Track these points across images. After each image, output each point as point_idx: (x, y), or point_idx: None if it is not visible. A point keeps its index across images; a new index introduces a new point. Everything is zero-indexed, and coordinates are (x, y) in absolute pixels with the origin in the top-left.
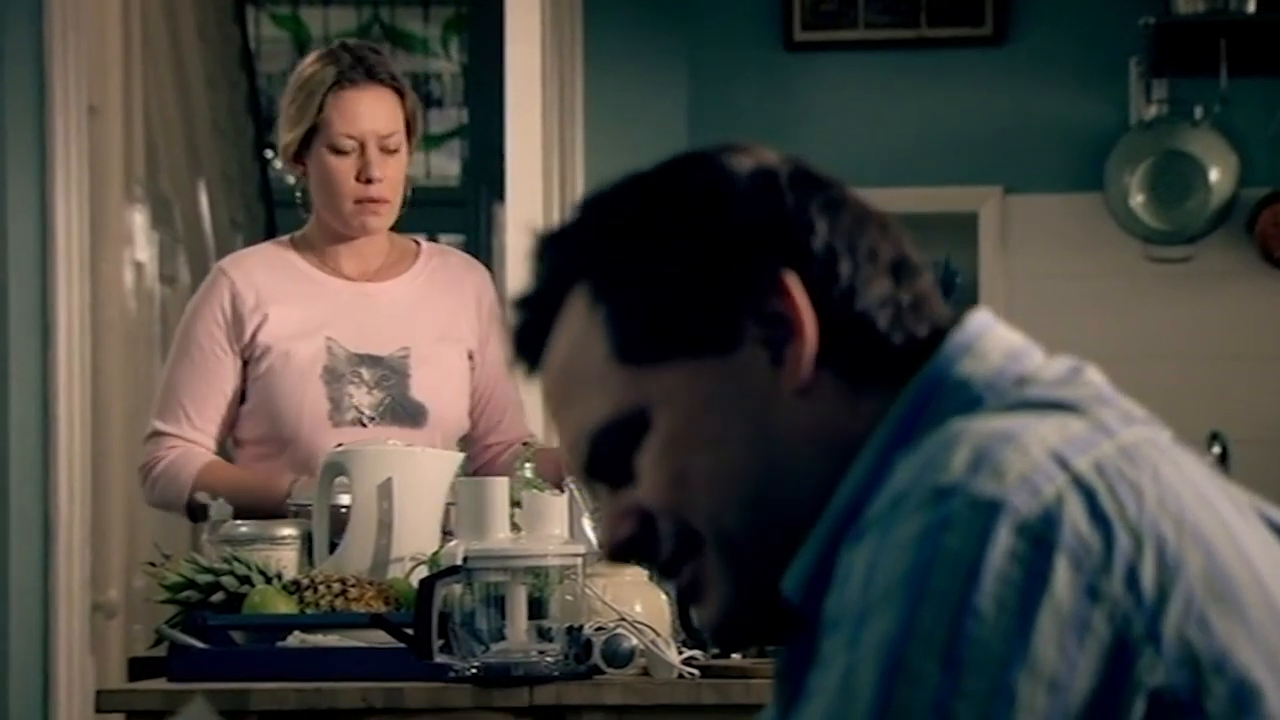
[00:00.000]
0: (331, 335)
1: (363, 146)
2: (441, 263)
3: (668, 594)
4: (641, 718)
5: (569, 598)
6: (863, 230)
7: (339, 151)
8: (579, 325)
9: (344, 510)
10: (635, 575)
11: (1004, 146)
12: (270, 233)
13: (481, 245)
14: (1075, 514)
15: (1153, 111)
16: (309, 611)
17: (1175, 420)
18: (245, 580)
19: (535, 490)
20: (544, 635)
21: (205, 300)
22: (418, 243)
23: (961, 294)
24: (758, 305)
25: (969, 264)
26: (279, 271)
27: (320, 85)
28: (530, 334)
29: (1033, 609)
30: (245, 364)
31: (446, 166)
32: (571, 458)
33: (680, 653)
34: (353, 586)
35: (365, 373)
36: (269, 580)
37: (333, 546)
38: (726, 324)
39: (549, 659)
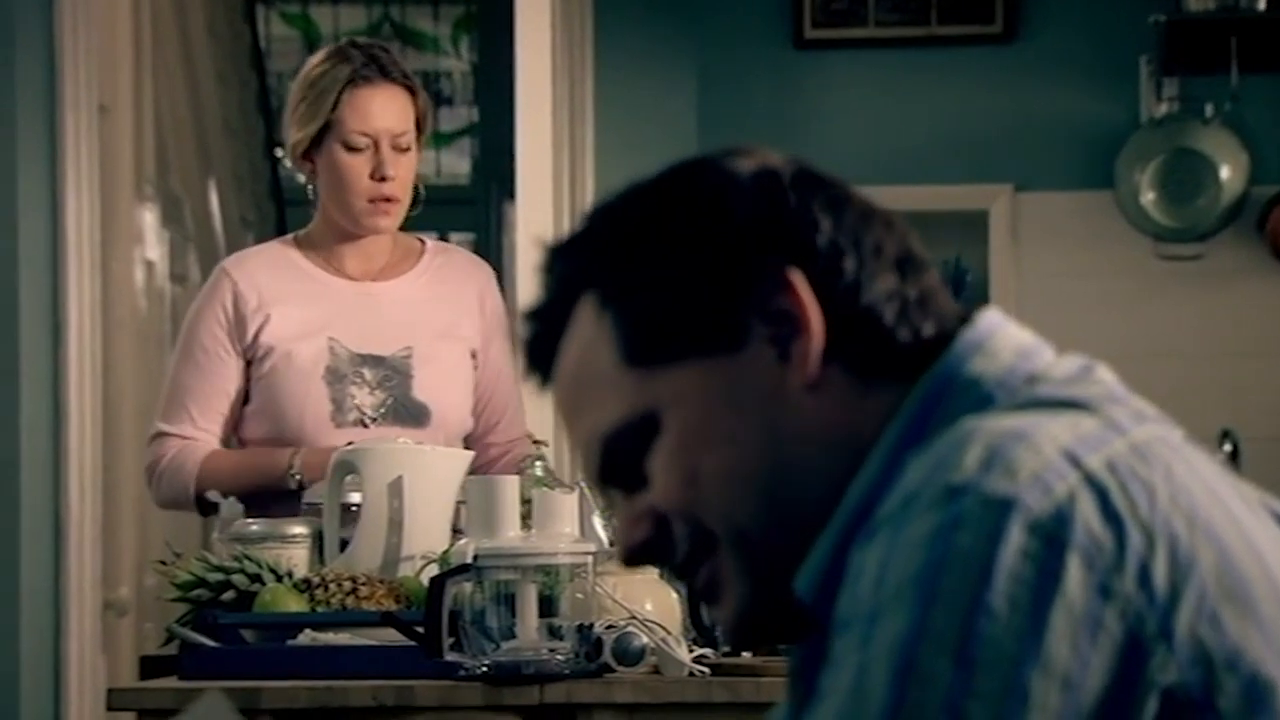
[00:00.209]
0: (334, 336)
1: (376, 145)
2: (445, 261)
3: (678, 592)
4: (652, 716)
5: (579, 596)
6: (867, 227)
7: (352, 149)
8: (587, 332)
9: (354, 508)
10: (646, 573)
11: (1014, 144)
12: (281, 231)
13: (492, 243)
14: (1087, 512)
15: (1163, 109)
16: (320, 610)
17: (1186, 418)
18: (256, 578)
19: (546, 488)
20: (554, 633)
21: (208, 301)
22: (422, 241)
23: (972, 292)
24: (763, 303)
25: (980, 262)
26: (282, 271)
27: (334, 83)
28: (541, 345)
29: (1045, 607)
30: (248, 364)
31: (457, 165)
32: (585, 464)
33: (691, 651)
34: (363, 585)
35: (367, 373)
36: (280, 578)
37: (343, 545)
38: (732, 323)
39: (559, 657)
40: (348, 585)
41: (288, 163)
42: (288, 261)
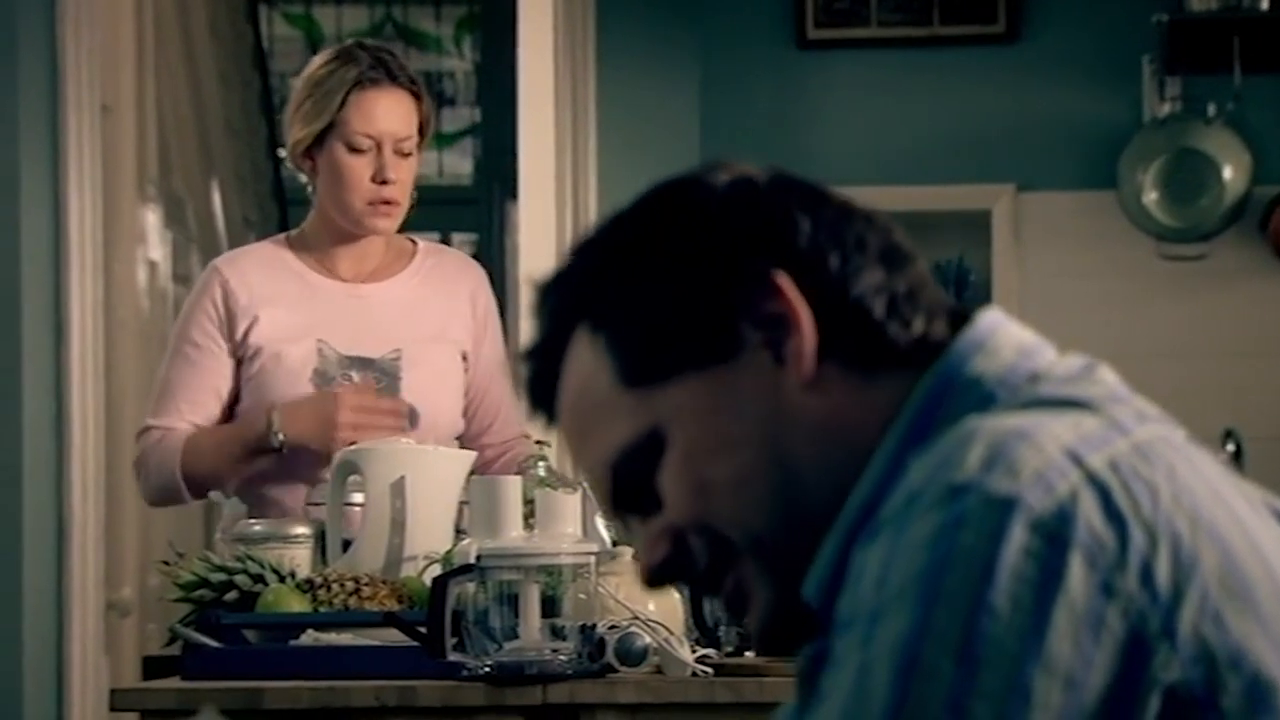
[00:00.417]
0: (323, 338)
1: (379, 147)
2: (437, 262)
3: (680, 593)
4: (655, 716)
5: (582, 596)
6: (848, 223)
7: (355, 150)
8: (584, 362)
9: (357, 509)
10: None
11: (1017, 144)
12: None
13: (494, 244)
14: (1089, 511)
15: (1166, 109)
16: (322, 610)
17: (1189, 418)
18: (259, 579)
19: (548, 489)
20: (557, 633)
21: (199, 298)
22: (414, 241)
23: (975, 292)
24: (752, 309)
25: (982, 262)
26: (273, 272)
27: (340, 84)
28: (541, 383)
29: (1047, 606)
30: (239, 364)
31: (459, 165)
32: (597, 493)
33: (694, 651)
34: (366, 585)
35: (356, 375)
36: (282, 579)
37: (346, 545)
38: (724, 332)
39: (562, 657)
40: (350, 585)
41: (288, 160)
42: (279, 262)
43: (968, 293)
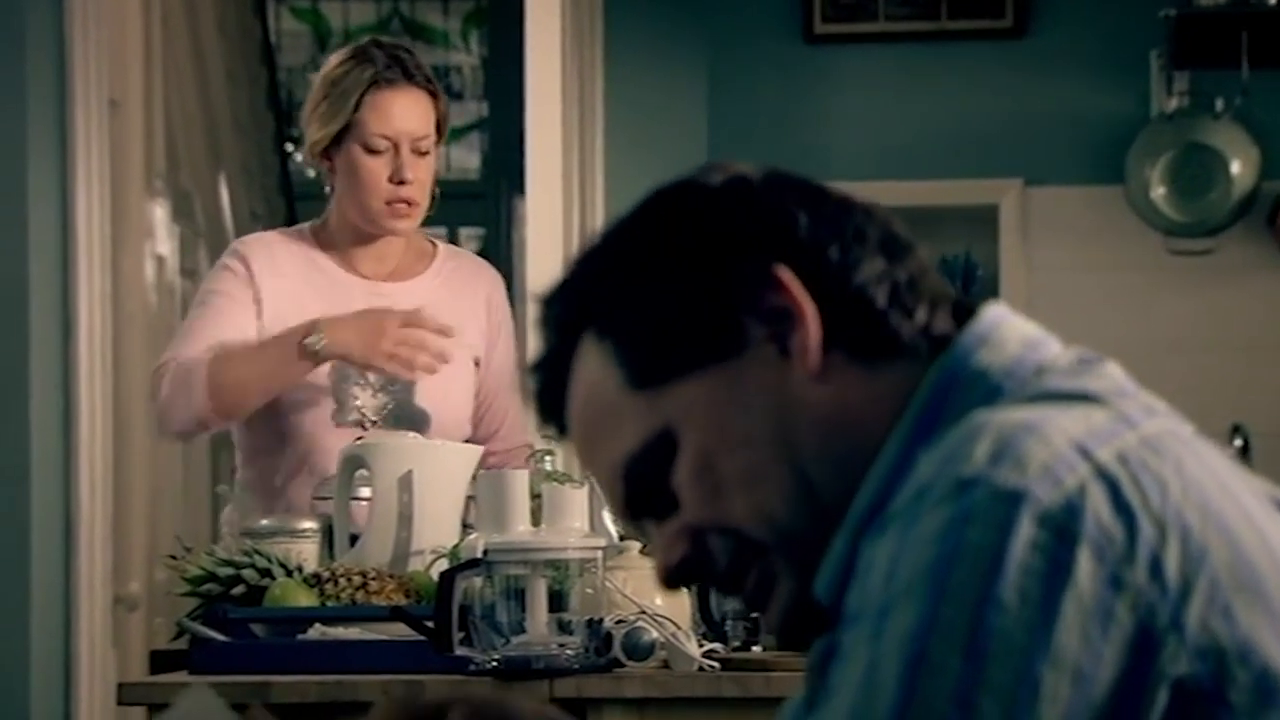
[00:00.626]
0: None
1: (396, 147)
2: (456, 266)
3: (688, 586)
4: (662, 711)
5: (589, 590)
6: (846, 215)
7: (372, 151)
8: (591, 368)
9: (364, 503)
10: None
11: (1024, 139)
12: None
13: (501, 238)
14: (1098, 504)
15: (1173, 104)
16: (329, 604)
17: (1197, 413)
18: (266, 573)
19: (556, 483)
20: (564, 628)
21: (226, 265)
22: (434, 243)
23: (982, 286)
24: (755, 303)
25: (990, 257)
26: (297, 262)
27: (356, 84)
28: (550, 394)
29: (1055, 599)
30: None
31: (466, 159)
32: (612, 500)
33: (700, 646)
34: (373, 579)
35: (371, 375)
36: (290, 573)
37: (353, 539)
38: (729, 328)
39: (569, 652)
40: (357, 580)
41: (298, 158)
42: (303, 253)
43: (975, 288)
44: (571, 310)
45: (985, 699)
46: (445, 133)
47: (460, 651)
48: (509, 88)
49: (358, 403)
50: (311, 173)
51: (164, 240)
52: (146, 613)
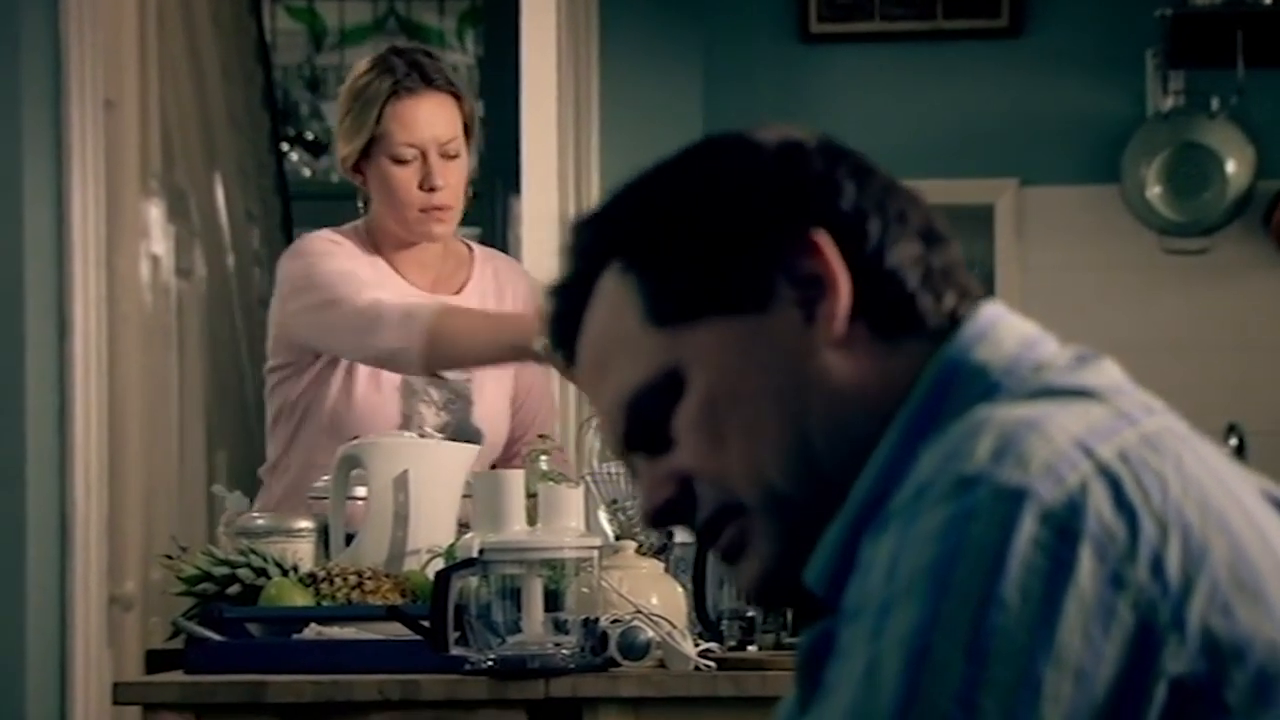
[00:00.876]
0: None
1: (424, 154)
2: (493, 270)
3: (684, 586)
4: (657, 710)
5: (585, 590)
6: (891, 195)
7: (400, 161)
8: (611, 299)
9: (360, 503)
10: (651, 567)
11: (1020, 139)
12: (286, 225)
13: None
14: (1100, 502)
15: (1169, 103)
16: (325, 604)
17: (1192, 412)
18: (261, 573)
19: (551, 483)
20: (560, 627)
21: (323, 251)
22: (469, 246)
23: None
24: (790, 265)
25: (985, 256)
26: (373, 270)
27: (377, 96)
28: (565, 320)
29: (1058, 598)
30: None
31: None
32: (609, 431)
33: (696, 645)
34: (369, 579)
35: (434, 393)
36: (285, 573)
37: (349, 539)
38: (758, 283)
39: (565, 651)
40: (353, 579)
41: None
42: (367, 257)
43: None
44: (602, 238)
45: (987, 698)
46: (474, 133)
47: (456, 651)
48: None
49: (422, 419)
50: (306, 172)
51: (159, 240)
52: (142, 612)
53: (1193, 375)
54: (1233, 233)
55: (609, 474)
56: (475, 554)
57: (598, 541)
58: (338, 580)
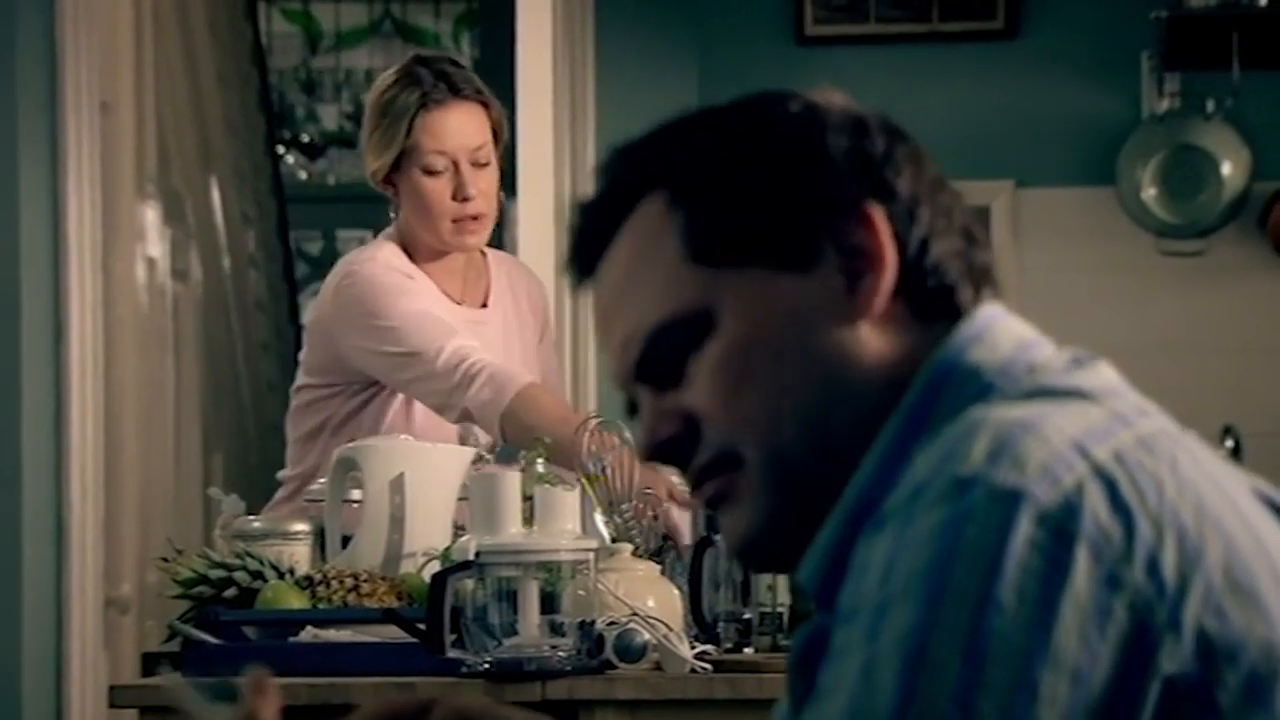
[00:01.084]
0: None
1: (455, 165)
2: (506, 274)
3: (680, 589)
4: (654, 712)
5: (581, 592)
6: (940, 188)
7: (432, 172)
8: (650, 227)
9: (356, 505)
10: (647, 570)
11: (1016, 140)
12: (282, 227)
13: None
14: (1096, 503)
15: (1165, 105)
16: (321, 607)
17: (1188, 414)
18: (258, 575)
19: (547, 485)
20: (556, 630)
21: (387, 279)
22: (483, 251)
23: None
24: (841, 233)
25: None
26: (426, 291)
27: (406, 109)
28: (592, 240)
29: (1054, 600)
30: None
31: None
32: (621, 357)
33: (693, 647)
34: (365, 581)
35: None
36: (281, 575)
37: (345, 541)
38: (807, 243)
39: (561, 654)
40: (349, 582)
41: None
42: (432, 290)
43: None
44: (649, 167)
45: (984, 700)
46: (503, 138)
47: (452, 654)
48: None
49: (477, 439)
50: (302, 174)
51: (155, 242)
52: (138, 615)
53: (1189, 377)
54: (1228, 235)
55: (605, 477)
56: (471, 556)
57: (594, 544)
58: (334, 583)
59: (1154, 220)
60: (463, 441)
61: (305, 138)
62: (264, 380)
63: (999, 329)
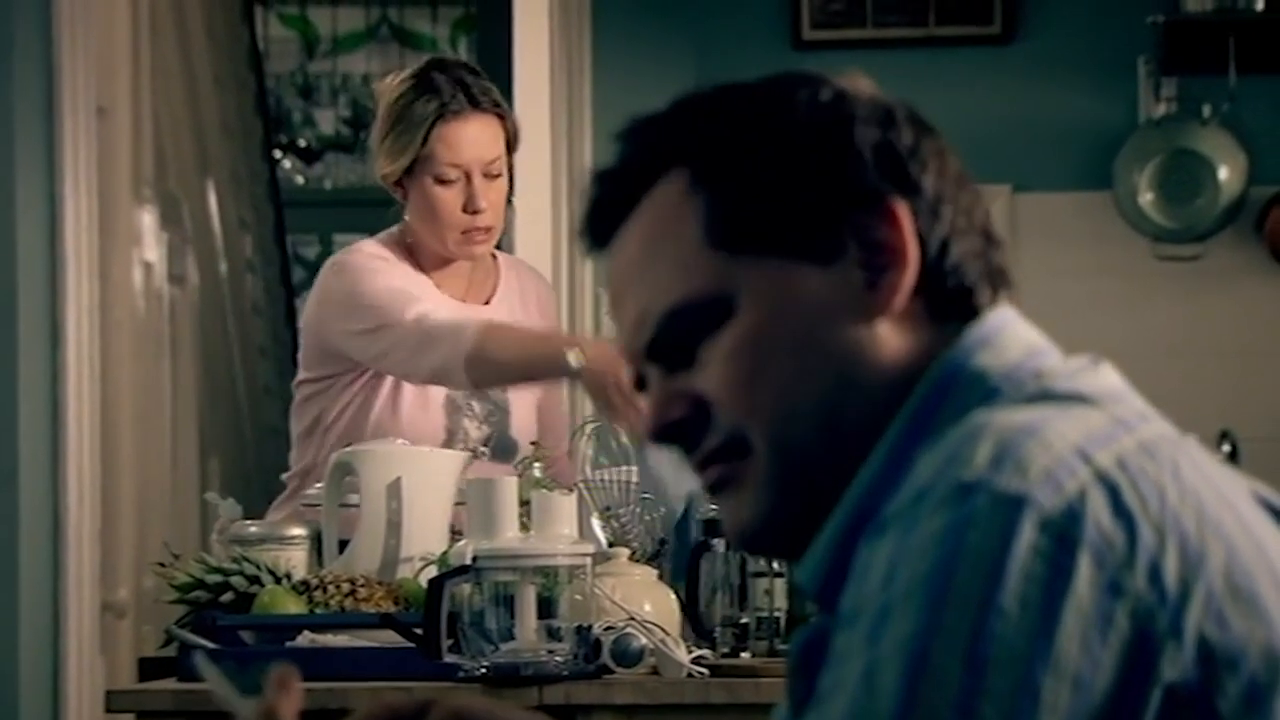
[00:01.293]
0: None
1: (468, 176)
2: (516, 278)
3: (677, 594)
4: (651, 717)
5: (578, 597)
6: (963, 186)
7: (444, 181)
8: (670, 206)
9: (353, 510)
10: (644, 574)
11: (1012, 145)
12: (279, 232)
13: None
14: (1098, 509)
15: (1161, 110)
16: (318, 611)
17: (1185, 419)
18: (255, 580)
19: (544, 490)
20: (553, 635)
21: (371, 265)
22: (493, 254)
23: None
24: (863, 227)
25: None
26: (416, 283)
27: (423, 118)
28: (609, 212)
29: (1056, 606)
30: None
31: None
32: (634, 334)
33: (689, 652)
34: (362, 586)
35: (477, 406)
36: (278, 580)
37: (342, 546)
38: (830, 236)
39: (558, 659)
40: (346, 587)
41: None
42: (413, 274)
43: None
44: (673, 143)
45: (986, 706)
46: (516, 148)
47: (449, 658)
48: None
49: (466, 433)
50: (299, 179)
51: (152, 247)
52: (135, 620)
53: (1186, 382)
54: (1225, 239)
55: (602, 481)
56: (468, 561)
57: (591, 549)
58: (331, 588)
59: (1151, 225)
60: (450, 434)
61: (302, 142)
62: (260, 384)
63: (1009, 334)
